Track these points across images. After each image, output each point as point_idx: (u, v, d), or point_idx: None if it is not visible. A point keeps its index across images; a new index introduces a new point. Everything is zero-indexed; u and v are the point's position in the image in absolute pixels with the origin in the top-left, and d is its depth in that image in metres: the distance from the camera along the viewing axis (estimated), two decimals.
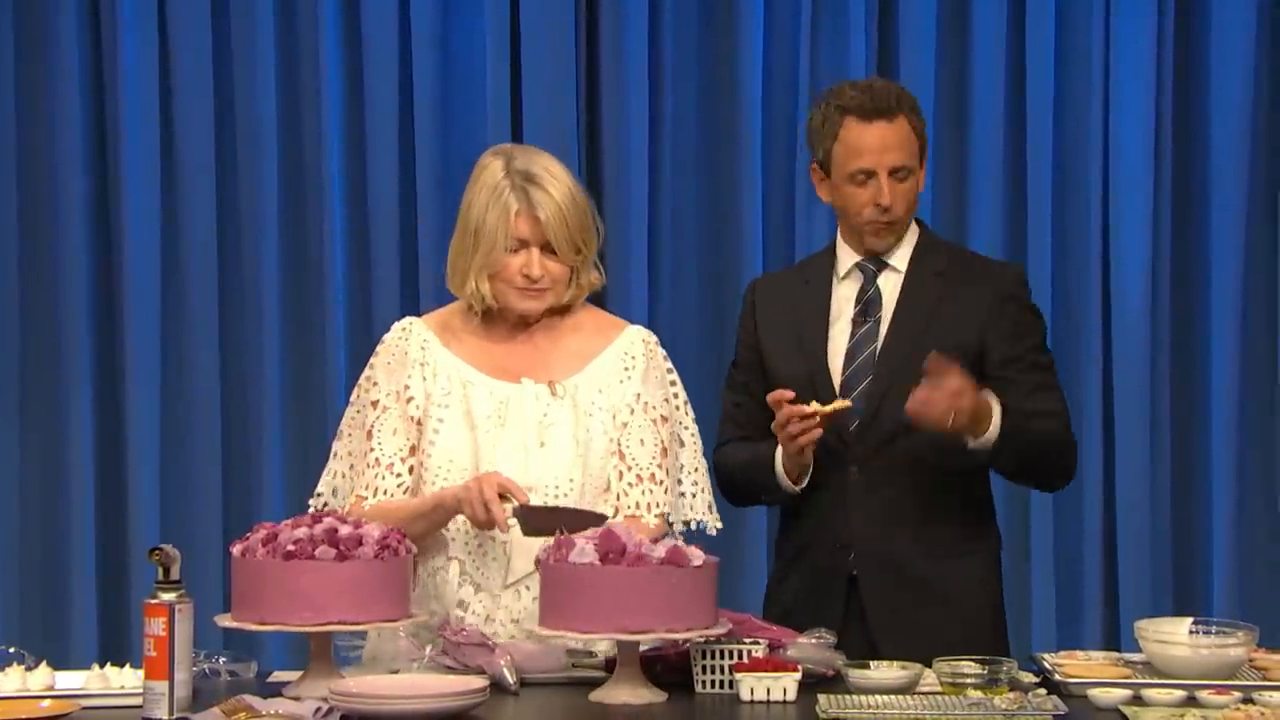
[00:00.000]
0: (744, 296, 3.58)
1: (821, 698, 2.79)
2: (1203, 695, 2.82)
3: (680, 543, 2.89)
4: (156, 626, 2.75)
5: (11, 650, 3.01)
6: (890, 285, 3.43)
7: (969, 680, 2.80)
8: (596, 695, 2.86)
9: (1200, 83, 4.91)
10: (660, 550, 2.83)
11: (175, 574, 2.78)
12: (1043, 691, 2.85)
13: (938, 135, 4.88)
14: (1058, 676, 2.95)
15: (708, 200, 4.97)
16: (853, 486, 3.35)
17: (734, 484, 3.48)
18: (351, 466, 3.27)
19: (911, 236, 3.46)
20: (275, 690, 2.91)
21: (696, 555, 2.84)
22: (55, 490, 4.90)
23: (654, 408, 3.24)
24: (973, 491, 3.44)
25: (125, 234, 4.87)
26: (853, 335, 3.40)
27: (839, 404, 3.23)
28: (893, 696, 2.82)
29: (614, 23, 4.91)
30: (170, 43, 4.89)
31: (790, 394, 3.24)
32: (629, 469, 3.20)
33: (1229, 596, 4.80)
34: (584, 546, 2.84)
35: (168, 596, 2.76)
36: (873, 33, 4.90)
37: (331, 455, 3.32)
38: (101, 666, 2.97)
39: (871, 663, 2.94)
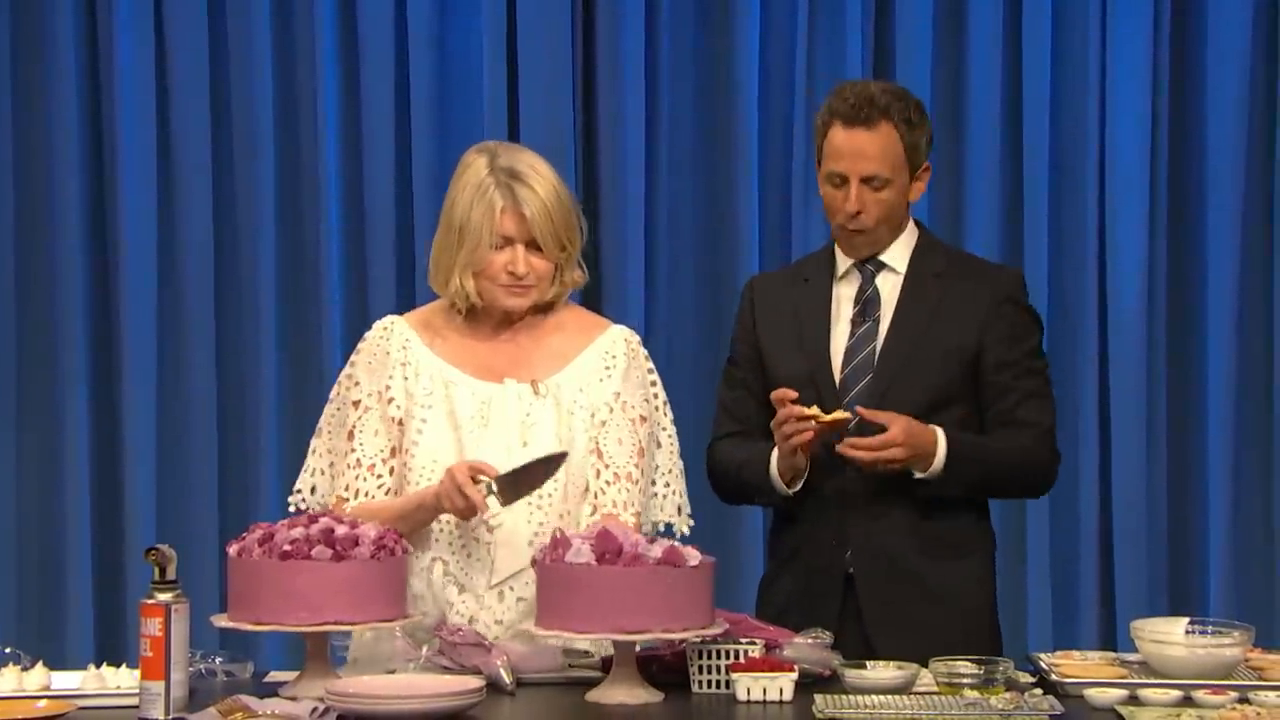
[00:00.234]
0: (742, 294, 3.58)
1: (818, 698, 2.79)
2: (1199, 695, 2.82)
3: (676, 542, 2.89)
4: (153, 627, 2.75)
5: (7, 650, 3.01)
6: (889, 286, 3.43)
7: (965, 680, 2.80)
8: (593, 695, 2.86)
9: (1196, 83, 4.92)
10: (657, 550, 2.83)
11: (171, 574, 2.78)
12: (1039, 691, 2.85)
13: (934, 135, 4.87)
14: (1054, 676, 2.95)
15: (704, 200, 4.97)
16: (850, 486, 3.35)
17: (727, 482, 3.48)
18: (331, 464, 3.27)
19: (910, 238, 3.46)
20: (272, 690, 2.91)
21: (693, 555, 2.84)
22: (51, 490, 4.90)
23: (633, 407, 3.23)
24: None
25: (122, 234, 4.87)
26: (852, 335, 3.41)
27: (839, 415, 3.24)
28: (889, 696, 2.82)
29: (611, 23, 4.91)
30: (167, 43, 4.89)
31: (793, 394, 3.26)
32: (606, 467, 3.20)
33: (1225, 596, 4.81)
34: (580, 546, 2.84)
35: (164, 597, 2.76)
36: (869, 33, 4.90)
37: (310, 452, 3.31)
38: (98, 667, 2.97)
39: (868, 663, 2.94)
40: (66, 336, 4.89)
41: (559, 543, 2.87)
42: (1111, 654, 3.18)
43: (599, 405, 3.21)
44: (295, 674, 2.98)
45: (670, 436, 3.31)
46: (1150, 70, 4.87)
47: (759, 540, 4.66)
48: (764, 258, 4.89)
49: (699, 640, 2.88)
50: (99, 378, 4.92)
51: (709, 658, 2.90)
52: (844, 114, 3.36)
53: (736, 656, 2.89)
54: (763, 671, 2.83)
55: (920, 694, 2.85)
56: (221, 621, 2.92)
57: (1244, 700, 2.79)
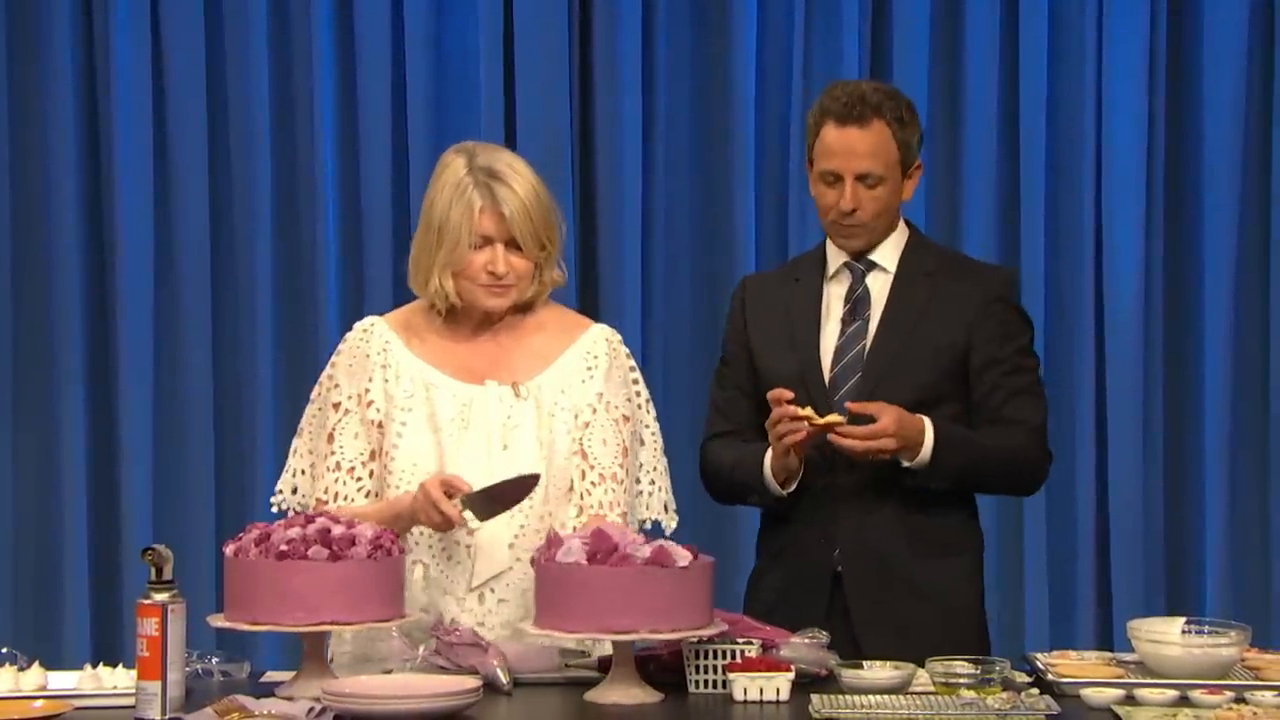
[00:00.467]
0: (733, 294, 3.59)
1: (814, 698, 2.79)
2: (1195, 695, 2.82)
3: (668, 541, 2.88)
4: (149, 627, 2.74)
5: (4, 650, 3.01)
6: (879, 285, 3.44)
7: (962, 680, 2.80)
8: (590, 695, 2.86)
9: (1193, 83, 4.92)
10: (647, 550, 2.83)
11: (168, 574, 2.78)
12: (1035, 691, 2.84)
13: (930, 135, 4.88)
14: (1050, 676, 2.95)
15: (701, 200, 4.97)
16: (840, 484, 3.36)
17: (720, 481, 3.49)
18: (312, 465, 3.26)
19: (900, 237, 3.47)
20: (268, 690, 2.90)
21: (683, 555, 2.83)
22: (48, 490, 4.90)
23: (616, 407, 3.23)
24: (959, 492, 3.44)
25: (118, 234, 4.87)
26: (842, 334, 3.42)
27: (833, 418, 3.25)
28: (885, 696, 2.82)
29: (607, 23, 4.91)
30: (163, 42, 4.89)
31: (789, 394, 3.26)
32: (591, 468, 3.19)
33: (1221, 596, 4.81)
34: (571, 545, 2.84)
35: (160, 597, 2.76)
36: (865, 33, 4.90)
37: (292, 453, 3.31)
38: (94, 667, 2.96)
39: (864, 663, 2.94)
40: (63, 336, 4.89)
41: (554, 542, 2.87)
42: (1108, 654, 3.18)
43: (582, 406, 3.21)
44: (292, 674, 2.97)
45: (654, 434, 3.31)
46: (1147, 70, 4.87)
47: (754, 540, 4.66)
48: (760, 258, 4.89)
49: (696, 640, 2.88)
50: (95, 377, 4.92)
51: (706, 658, 2.90)
52: (836, 113, 3.37)
53: (733, 656, 2.88)
54: (759, 671, 2.83)
55: (917, 694, 2.85)
56: (218, 621, 2.92)
57: (1240, 700, 2.79)
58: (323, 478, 3.20)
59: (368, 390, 3.21)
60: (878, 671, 2.91)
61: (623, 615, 2.78)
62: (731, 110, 4.92)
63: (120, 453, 4.88)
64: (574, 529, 3.05)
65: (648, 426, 3.30)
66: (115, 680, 2.92)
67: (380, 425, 3.19)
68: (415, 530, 3.14)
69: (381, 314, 3.35)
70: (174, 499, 4.89)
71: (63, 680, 2.94)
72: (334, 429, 3.21)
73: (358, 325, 3.30)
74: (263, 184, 4.89)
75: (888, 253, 3.45)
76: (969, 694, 2.77)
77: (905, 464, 3.30)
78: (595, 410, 3.21)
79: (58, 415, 4.89)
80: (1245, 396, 4.88)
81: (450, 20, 4.93)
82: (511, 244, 3.16)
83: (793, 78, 4.89)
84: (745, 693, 2.82)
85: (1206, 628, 3.05)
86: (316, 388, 3.30)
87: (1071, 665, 3.03)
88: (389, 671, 2.98)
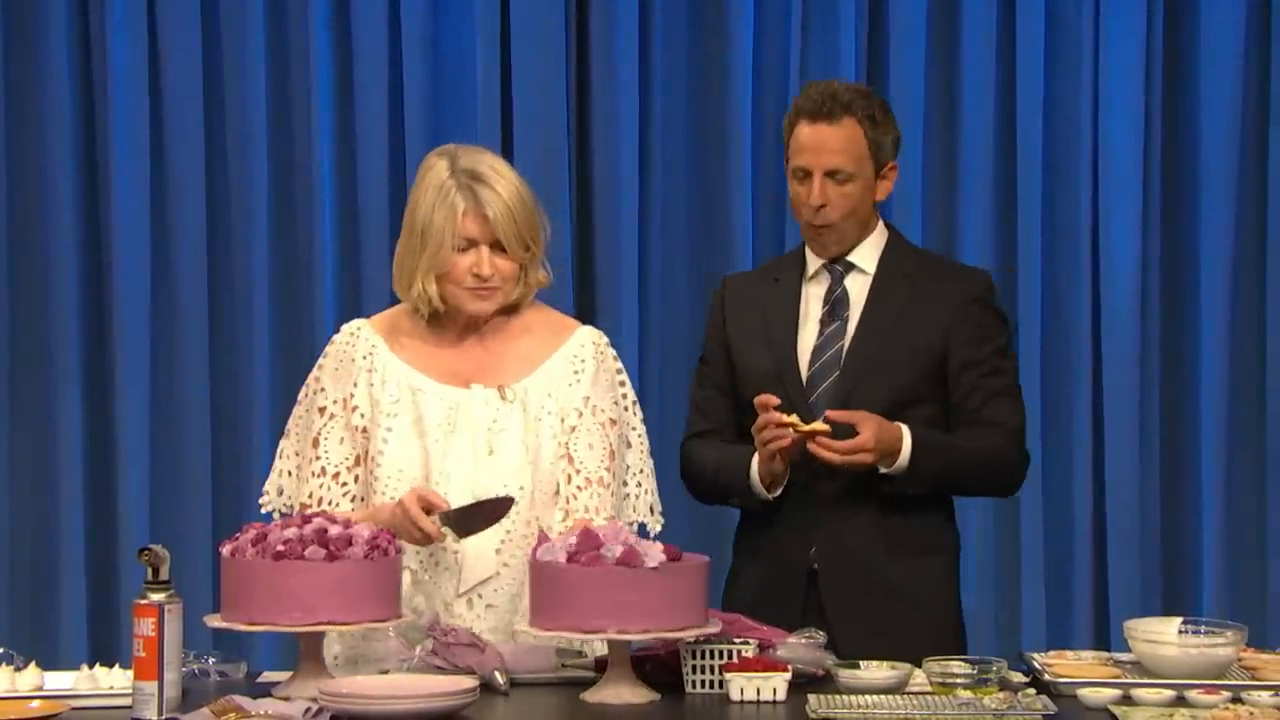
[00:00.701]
0: (714, 293, 3.61)
1: (811, 698, 2.79)
2: (1192, 695, 2.82)
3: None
4: (146, 627, 2.74)
5: (1, 651, 3.01)
6: (858, 286, 3.47)
7: (958, 680, 2.80)
8: (587, 695, 2.86)
9: (1189, 83, 4.92)
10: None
11: (164, 574, 2.78)
12: (1032, 691, 2.85)
13: (927, 135, 4.89)
14: (1047, 676, 2.95)
15: (698, 201, 4.97)
16: (818, 485, 3.38)
17: (703, 482, 3.50)
18: (298, 468, 3.26)
19: (880, 238, 3.49)
20: (265, 690, 2.91)
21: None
22: (45, 490, 4.90)
23: (602, 410, 3.23)
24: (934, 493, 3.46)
25: (115, 234, 4.87)
26: (820, 334, 3.44)
27: (817, 425, 3.26)
28: (882, 696, 2.83)
29: (604, 23, 4.91)
30: (160, 43, 4.89)
31: (775, 400, 3.28)
32: (577, 472, 3.19)
33: (1218, 596, 4.81)
34: (552, 545, 2.85)
35: (157, 597, 2.76)
36: (862, 34, 4.90)
37: (278, 454, 3.30)
38: (91, 667, 2.96)
39: (861, 663, 2.94)
40: (59, 336, 4.89)
41: (541, 539, 2.89)
42: (1105, 654, 3.18)
43: (568, 410, 3.21)
44: (289, 674, 2.97)
45: (640, 436, 3.30)
46: (1144, 70, 4.87)
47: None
48: (757, 259, 4.88)
49: (693, 640, 2.88)
50: (92, 378, 4.91)
51: (702, 658, 2.90)
52: (808, 110, 3.41)
53: (730, 656, 2.89)
54: (756, 671, 2.83)
55: (913, 694, 2.85)
56: (215, 622, 2.92)
57: (1237, 700, 2.79)
58: (307, 482, 3.20)
59: (352, 395, 3.21)
60: (874, 671, 2.91)
61: (627, 615, 2.78)
62: (728, 111, 4.92)
63: (117, 453, 4.87)
64: (559, 534, 3.05)
65: (634, 429, 3.30)
66: (112, 680, 2.92)
67: (365, 431, 3.19)
68: None
69: (370, 316, 3.34)
70: (171, 499, 4.89)
71: (59, 680, 2.94)
72: (319, 433, 3.21)
73: (345, 328, 3.29)
74: (259, 184, 4.89)
75: (867, 254, 3.47)
76: (965, 694, 2.77)
77: (883, 471, 3.31)
78: (581, 414, 3.21)
79: (54, 415, 4.88)
80: (1241, 396, 4.88)
81: (447, 20, 4.93)
82: (496, 246, 3.16)
83: (789, 79, 4.89)
84: (742, 693, 2.82)
85: (1203, 628, 3.05)
86: (304, 389, 3.30)
87: (1068, 665, 3.03)
88: (386, 672, 2.98)
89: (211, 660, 3.08)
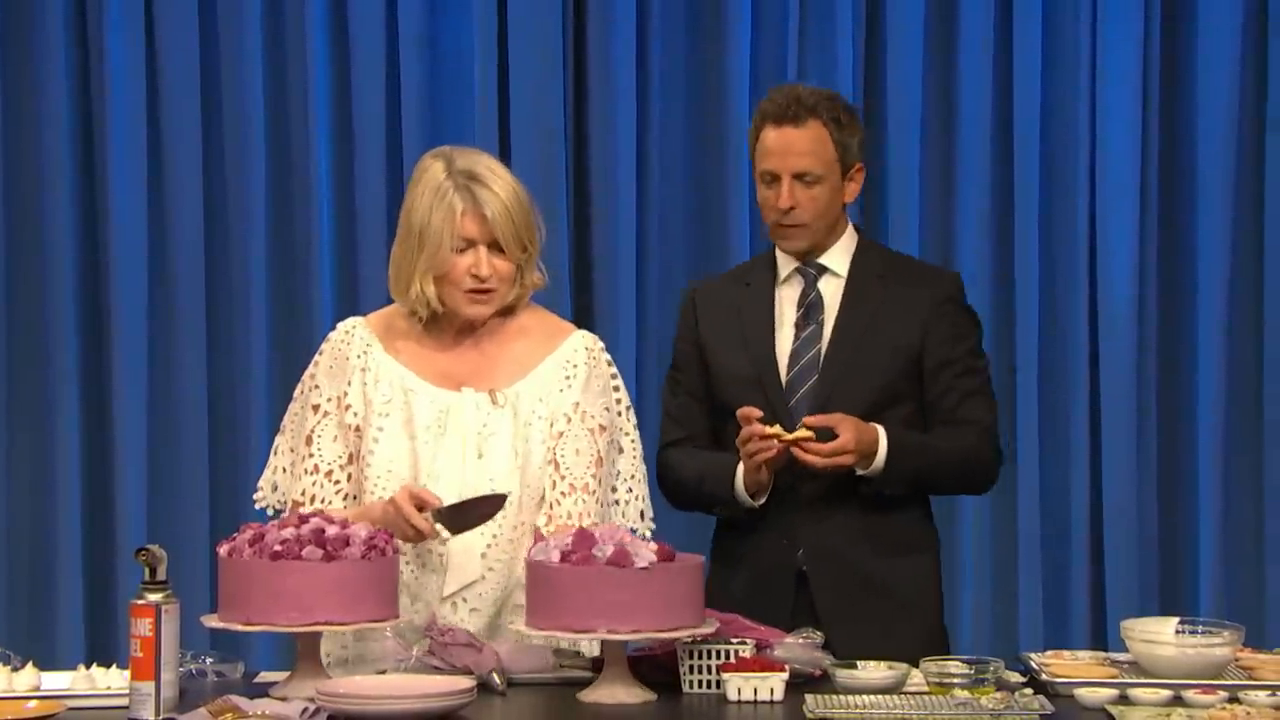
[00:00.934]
0: (682, 300, 3.63)
1: (809, 698, 2.80)
2: (1189, 695, 2.82)
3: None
4: (143, 627, 2.74)
5: None
6: (831, 289, 3.48)
7: (956, 680, 2.80)
8: (584, 695, 2.86)
9: (1187, 89, 4.92)
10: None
11: (162, 574, 2.78)
12: (1029, 691, 2.85)
13: (924, 141, 4.89)
14: (1044, 676, 2.95)
15: (695, 205, 4.98)
16: (801, 488, 3.39)
17: (685, 492, 3.51)
18: (292, 464, 3.26)
19: (850, 241, 3.51)
20: (262, 691, 2.91)
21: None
22: (42, 490, 4.89)
23: (592, 416, 3.22)
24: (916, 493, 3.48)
25: (112, 234, 4.87)
26: (796, 338, 3.46)
27: (801, 434, 3.27)
28: (879, 696, 2.83)
29: (602, 26, 4.91)
30: (158, 43, 4.89)
31: (758, 412, 3.30)
32: (562, 478, 3.18)
33: (1215, 596, 4.82)
34: (545, 545, 2.85)
35: (154, 597, 2.76)
36: (859, 39, 4.90)
37: (273, 450, 3.31)
38: (88, 667, 2.96)
39: (859, 663, 2.95)
40: (57, 336, 4.89)
41: (536, 539, 2.90)
42: (1102, 654, 3.19)
43: (558, 416, 3.21)
44: (286, 674, 2.98)
45: (633, 441, 3.30)
46: (1141, 76, 4.87)
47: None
48: None
49: (690, 640, 2.88)
50: (89, 378, 4.91)
51: (700, 658, 2.90)
52: (773, 114, 3.43)
53: (727, 656, 2.89)
54: (753, 671, 2.83)
55: (910, 694, 2.86)
56: (212, 622, 2.92)
57: (1234, 700, 2.80)
58: (300, 479, 3.21)
59: (346, 394, 3.21)
60: (872, 672, 2.92)
61: (624, 615, 2.78)
62: (725, 115, 4.92)
63: (114, 453, 4.87)
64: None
65: (627, 434, 3.29)
66: (109, 681, 2.92)
67: (358, 429, 3.19)
68: None
69: (366, 314, 3.34)
70: (168, 499, 4.89)
71: (57, 681, 2.94)
72: (312, 431, 3.22)
73: (340, 325, 3.30)
74: (257, 184, 4.89)
75: (838, 257, 3.49)
76: (963, 694, 2.77)
77: (860, 472, 3.34)
78: (570, 420, 3.21)
79: (52, 415, 4.88)
80: (1239, 401, 4.89)
81: (445, 21, 4.93)
82: (494, 246, 3.16)
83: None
84: (739, 693, 2.82)
85: (1200, 628, 3.05)
86: (299, 386, 3.30)
87: (1065, 665, 3.03)
88: (383, 672, 2.98)
89: (209, 660, 3.08)
